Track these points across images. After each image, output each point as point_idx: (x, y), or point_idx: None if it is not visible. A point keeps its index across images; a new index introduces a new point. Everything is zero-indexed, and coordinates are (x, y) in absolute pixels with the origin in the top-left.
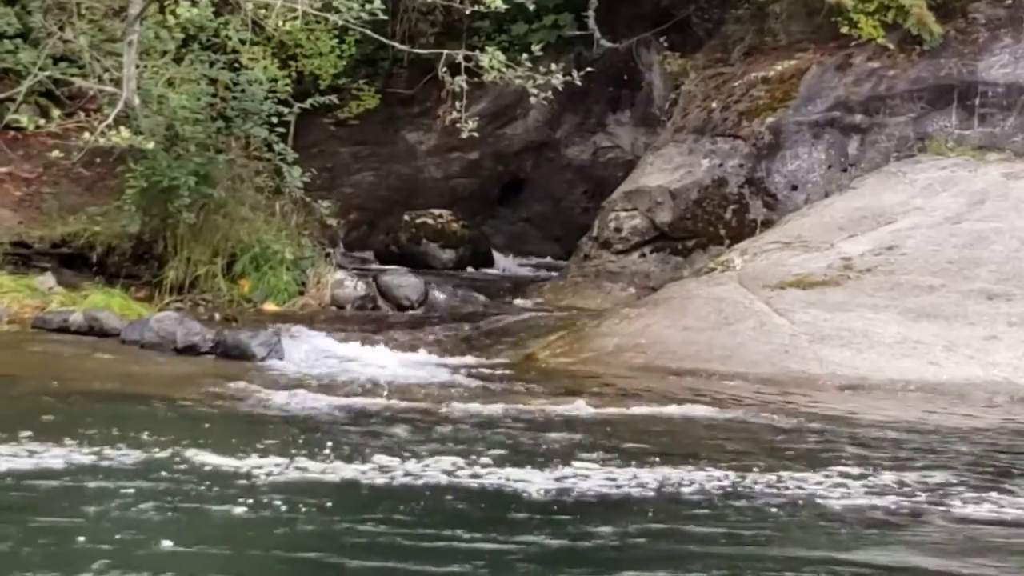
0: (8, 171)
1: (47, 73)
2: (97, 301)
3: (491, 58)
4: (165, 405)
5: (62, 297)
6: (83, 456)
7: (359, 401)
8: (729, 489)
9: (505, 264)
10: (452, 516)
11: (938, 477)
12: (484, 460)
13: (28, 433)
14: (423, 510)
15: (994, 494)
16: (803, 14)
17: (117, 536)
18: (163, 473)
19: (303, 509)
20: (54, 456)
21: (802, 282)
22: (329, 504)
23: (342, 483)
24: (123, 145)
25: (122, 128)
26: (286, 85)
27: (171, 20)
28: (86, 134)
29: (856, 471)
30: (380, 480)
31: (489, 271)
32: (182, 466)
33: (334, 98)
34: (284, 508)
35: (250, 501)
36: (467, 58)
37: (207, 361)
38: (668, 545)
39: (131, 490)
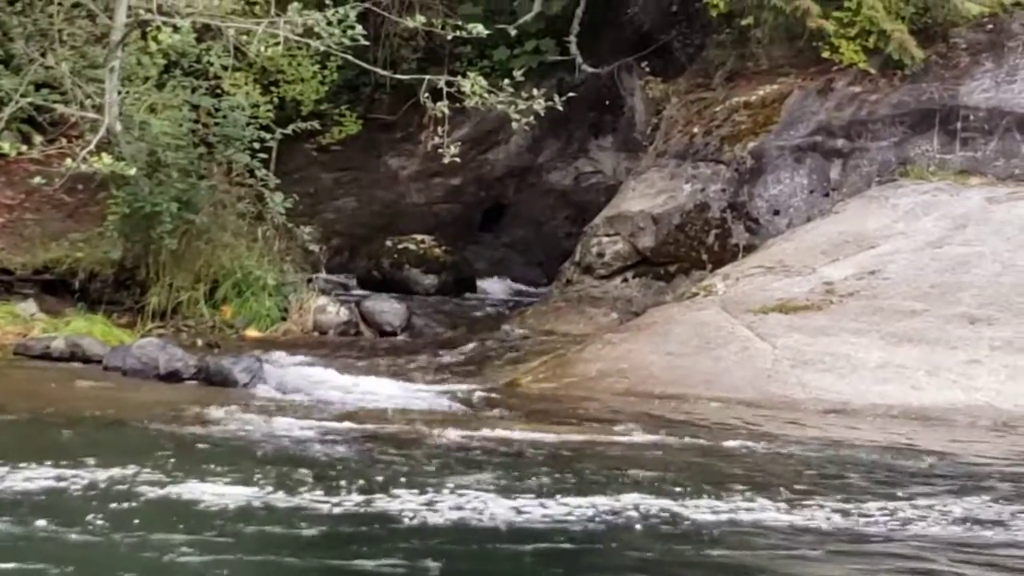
0: None
1: (29, 100)
2: (79, 327)
3: (473, 83)
4: (145, 431)
5: (44, 323)
6: (56, 483)
7: (341, 427)
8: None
9: (488, 289)
10: (429, 550)
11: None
12: (464, 488)
13: (2, 459)
14: (396, 540)
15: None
16: (785, 39)
17: (82, 565)
18: (134, 502)
19: (277, 539)
20: (27, 480)
21: (784, 307)
22: (305, 534)
23: (321, 513)
24: (105, 171)
25: (104, 154)
26: (268, 111)
27: (153, 46)
28: (68, 160)
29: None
30: (358, 509)
31: (472, 296)
32: (156, 493)
33: (316, 124)
34: (257, 536)
35: (225, 528)
36: (449, 83)
37: (190, 387)
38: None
39: (100, 519)
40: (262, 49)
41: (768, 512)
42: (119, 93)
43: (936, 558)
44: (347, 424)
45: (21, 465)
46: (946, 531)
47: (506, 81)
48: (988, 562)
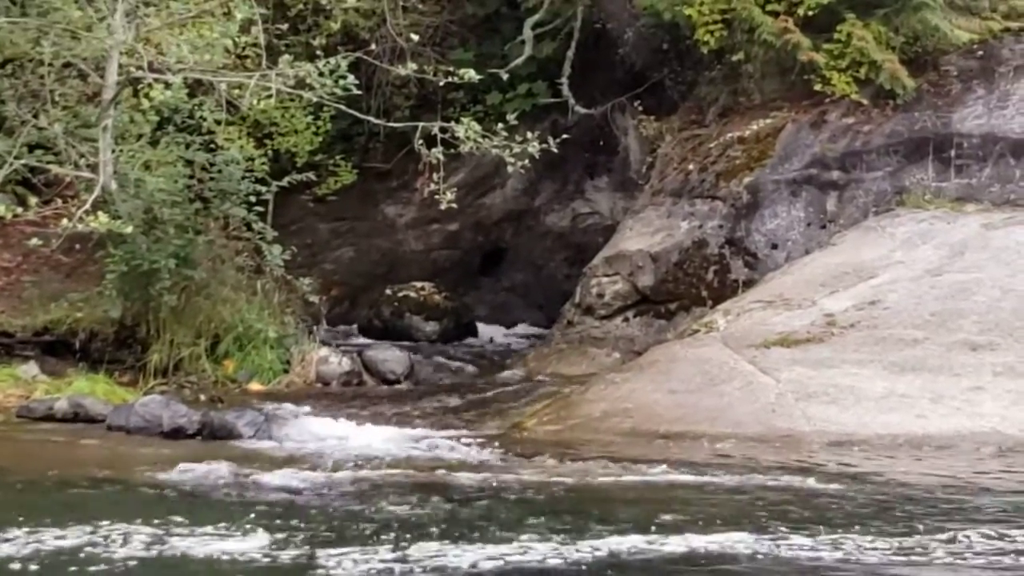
0: None
1: (23, 161)
2: (81, 388)
3: (467, 129)
4: (148, 490)
5: (46, 385)
6: (58, 544)
7: (348, 478)
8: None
9: (489, 334)
10: None
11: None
12: (476, 536)
13: (11, 522)
14: None
15: None
16: (776, 73)
17: None
18: (135, 562)
19: None
20: (29, 543)
21: (786, 340)
22: None
23: (329, 567)
24: (102, 230)
25: (100, 213)
26: (263, 164)
27: (145, 103)
28: (64, 221)
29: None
30: (362, 564)
31: (473, 342)
32: (158, 551)
33: (311, 175)
34: None
35: None
36: (443, 129)
37: (194, 443)
38: None
39: None
40: (255, 102)
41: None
42: (113, 151)
43: None
44: (354, 474)
45: (24, 528)
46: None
47: (500, 125)
48: None
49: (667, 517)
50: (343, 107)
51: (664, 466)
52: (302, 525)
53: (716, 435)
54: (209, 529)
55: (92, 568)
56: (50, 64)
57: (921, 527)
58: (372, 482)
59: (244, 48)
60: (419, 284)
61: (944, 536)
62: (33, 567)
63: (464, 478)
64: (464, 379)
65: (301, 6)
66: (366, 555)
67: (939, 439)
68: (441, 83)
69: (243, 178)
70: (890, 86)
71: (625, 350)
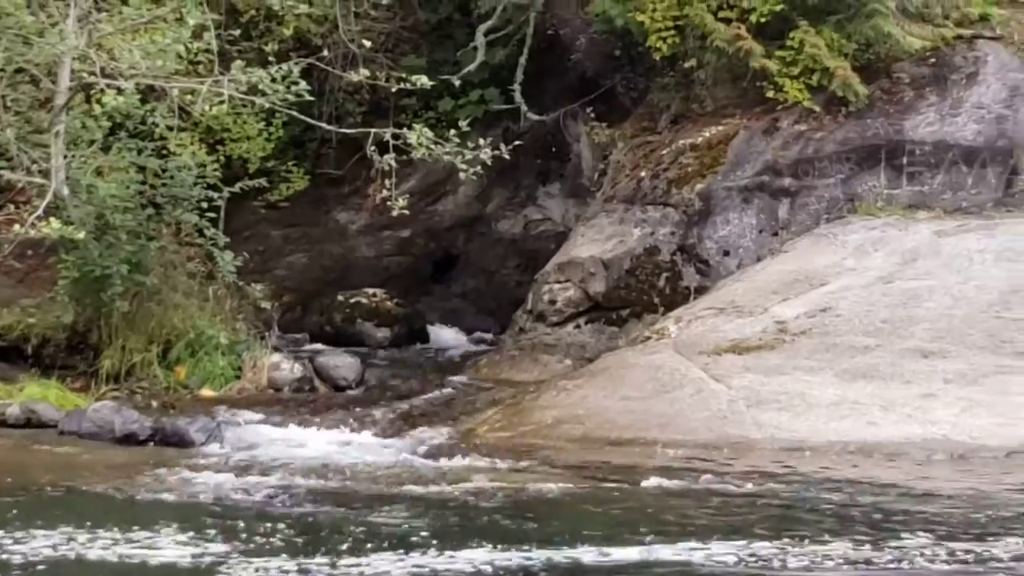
0: None
1: None
2: (33, 393)
3: (419, 135)
4: (100, 495)
5: None
6: (13, 550)
7: (299, 484)
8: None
9: (441, 340)
10: None
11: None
12: (429, 544)
13: None
14: None
15: None
16: (728, 80)
17: None
18: (85, 570)
19: None
20: None
21: (738, 347)
22: None
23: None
24: (54, 236)
25: (52, 219)
26: (215, 170)
27: (97, 109)
28: (16, 226)
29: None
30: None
31: (425, 348)
32: (107, 557)
33: (263, 181)
34: None
35: None
36: (395, 136)
37: (146, 449)
38: None
39: None
40: (207, 108)
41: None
42: (65, 157)
43: None
44: (305, 480)
45: None
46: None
47: (452, 132)
48: None
49: (620, 523)
50: (295, 113)
51: (613, 473)
52: (252, 531)
53: (667, 441)
54: (155, 536)
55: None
56: (2, 70)
57: (863, 533)
58: (320, 490)
59: (196, 54)
60: (371, 290)
61: (887, 543)
62: None
63: (412, 486)
64: (415, 385)
65: (253, 12)
66: (319, 565)
67: (890, 446)
68: (393, 89)
69: (195, 184)
70: (842, 93)
71: (577, 356)
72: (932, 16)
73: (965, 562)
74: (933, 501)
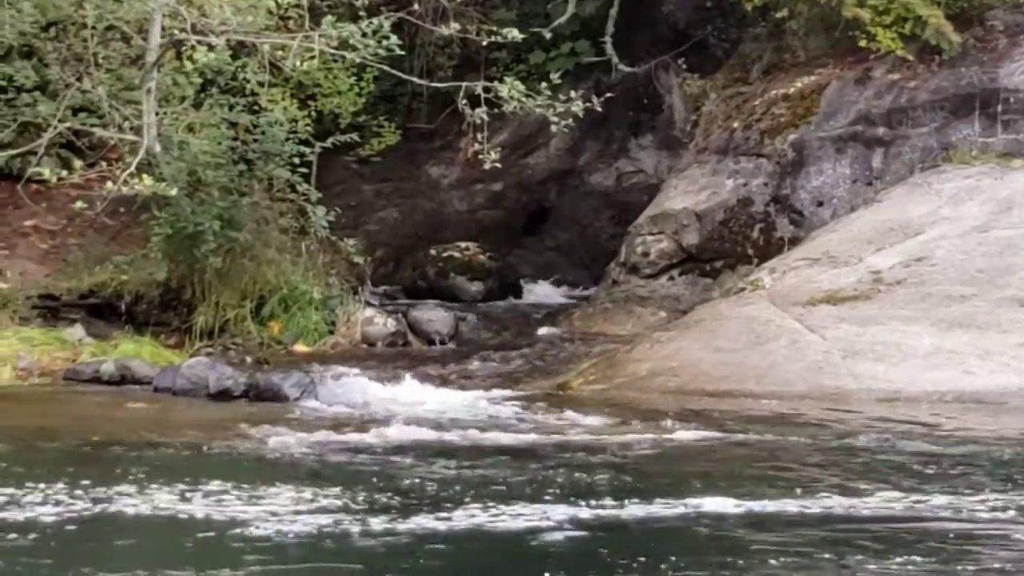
0: (33, 224)
1: (67, 125)
2: (127, 350)
3: (510, 88)
4: (196, 452)
5: (92, 348)
6: (110, 506)
7: (394, 438)
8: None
9: (534, 293)
10: (488, 568)
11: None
12: (524, 496)
13: (60, 484)
14: (452, 560)
15: None
16: (821, 30)
17: None
18: (181, 527)
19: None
20: (79, 505)
21: (832, 298)
22: (360, 556)
23: (379, 530)
24: (146, 193)
25: (144, 176)
26: (306, 125)
27: (188, 66)
28: (109, 184)
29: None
30: (409, 526)
31: (518, 301)
32: (202, 514)
33: (355, 136)
34: (307, 559)
35: (272, 549)
36: (486, 89)
37: (241, 405)
38: None
39: (148, 543)
40: (298, 63)
41: None
42: (157, 114)
43: None
44: (401, 435)
45: (71, 490)
46: None
47: (543, 84)
48: None
49: (728, 478)
50: (386, 68)
51: (713, 425)
52: (348, 489)
53: (762, 393)
54: (250, 491)
55: (141, 528)
56: (93, 27)
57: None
58: (420, 443)
59: (287, 9)
60: (463, 244)
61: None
62: (70, 528)
63: (509, 438)
64: (509, 339)
65: None
66: (412, 518)
67: (987, 395)
68: (484, 43)
69: (287, 140)
70: (935, 41)
71: (671, 309)
72: None
73: None
74: None
